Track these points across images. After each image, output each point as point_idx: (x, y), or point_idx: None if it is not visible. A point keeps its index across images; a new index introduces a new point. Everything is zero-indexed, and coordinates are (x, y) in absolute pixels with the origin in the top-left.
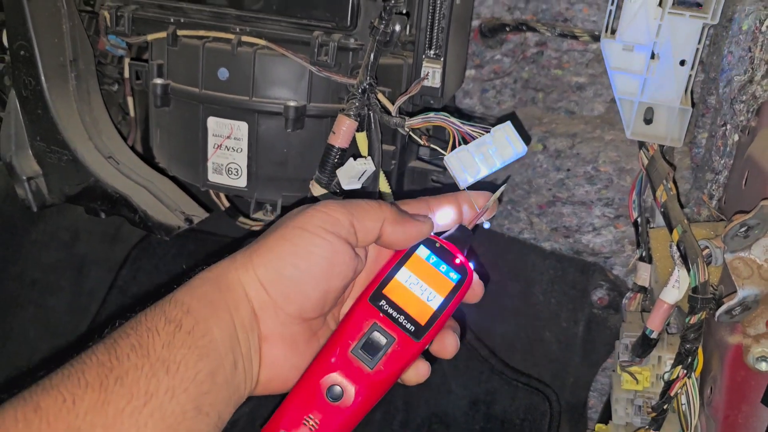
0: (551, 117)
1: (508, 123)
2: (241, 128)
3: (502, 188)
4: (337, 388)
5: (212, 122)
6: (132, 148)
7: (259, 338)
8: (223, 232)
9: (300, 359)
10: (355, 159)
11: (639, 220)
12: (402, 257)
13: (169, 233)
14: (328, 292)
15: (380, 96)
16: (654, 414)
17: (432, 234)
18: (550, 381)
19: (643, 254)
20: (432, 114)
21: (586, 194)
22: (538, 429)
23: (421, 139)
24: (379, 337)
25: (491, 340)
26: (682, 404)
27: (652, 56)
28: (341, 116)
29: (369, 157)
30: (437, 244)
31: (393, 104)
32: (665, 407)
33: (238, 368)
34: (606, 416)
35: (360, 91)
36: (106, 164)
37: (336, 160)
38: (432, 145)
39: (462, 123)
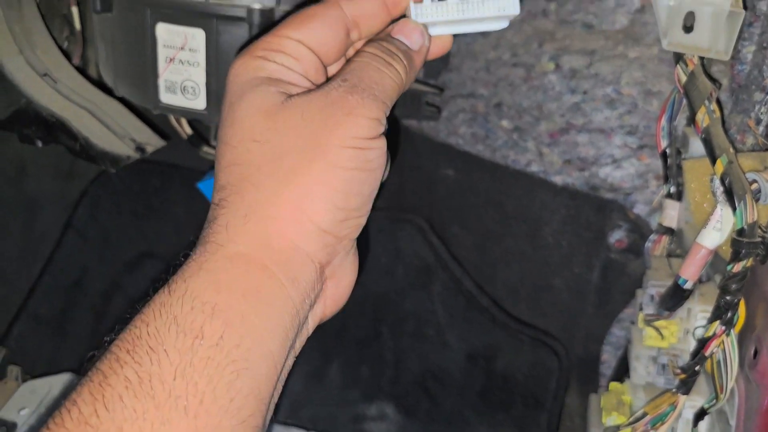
0: (565, 31)
1: None
2: (197, 37)
3: None
4: None
5: (162, 30)
6: (79, 69)
7: (322, 279)
8: (189, 165)
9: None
10: None
11: (668, 150)
12: None
13: (117, 164)
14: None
15: None
16: (683, 375)
17: None
18: (559, 333)
19: (672, 190)
20: None
21: (605, 120)
22: (545, 386)
23: None
24: None
25: (493, 288)
26: (715, 364)
27: None
28: None
29: None
30: None
31: None
32: (697, 368)
33: (296, 346)
34: (620, 373)
35: None
36: (40, 82)
37: None
38: None
39: None
